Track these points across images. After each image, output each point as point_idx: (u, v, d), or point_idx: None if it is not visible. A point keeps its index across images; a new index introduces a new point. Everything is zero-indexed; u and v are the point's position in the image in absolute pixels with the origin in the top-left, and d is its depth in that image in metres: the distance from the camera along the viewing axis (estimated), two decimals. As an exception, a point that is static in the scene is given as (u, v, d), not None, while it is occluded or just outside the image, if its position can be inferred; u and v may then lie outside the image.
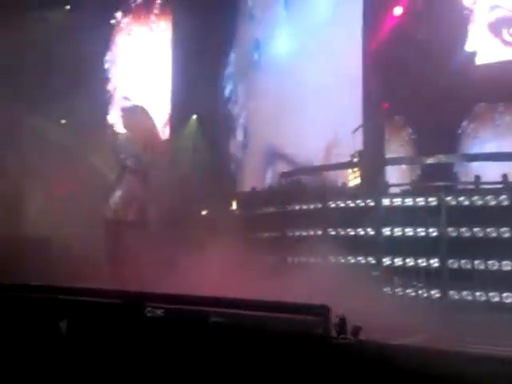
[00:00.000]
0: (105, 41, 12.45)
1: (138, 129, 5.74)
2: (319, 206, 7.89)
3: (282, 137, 11.55)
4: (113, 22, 13.00)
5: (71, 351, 2.95)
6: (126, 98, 12.51)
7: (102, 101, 12.16)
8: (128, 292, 3.16)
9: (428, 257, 6.84)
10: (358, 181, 9.47)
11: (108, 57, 12.80)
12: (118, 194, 5.55)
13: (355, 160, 9.98)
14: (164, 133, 12.96)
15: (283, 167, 10.96)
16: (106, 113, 10.99)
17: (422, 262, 6.87)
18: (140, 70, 13.18)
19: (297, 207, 8.10)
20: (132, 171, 5.54)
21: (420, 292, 6.82)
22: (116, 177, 5.65)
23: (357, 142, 9.65)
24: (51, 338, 2.96)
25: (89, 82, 10.59)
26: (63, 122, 10.45)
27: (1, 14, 8.01)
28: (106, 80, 12.65)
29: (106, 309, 3.07)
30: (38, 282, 3.33)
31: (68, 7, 11.29)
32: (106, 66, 12.85)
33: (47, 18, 9.85)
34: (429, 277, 6.81)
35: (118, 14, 13.14)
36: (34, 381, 2.92)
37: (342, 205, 7.68)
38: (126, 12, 13.26)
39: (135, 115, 5.76)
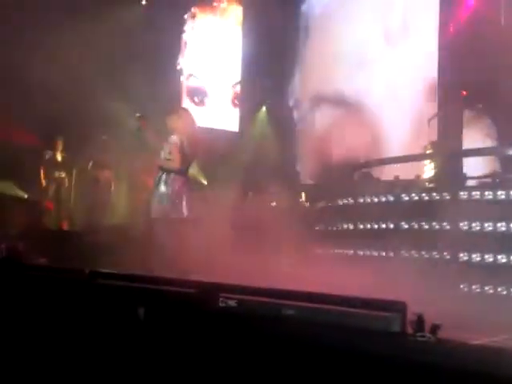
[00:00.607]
0: (177, 32, 12.69)
1: (180, 130, 5.88)
2: (391, 198, 7.71)
3: (350, 128, 11.38)
4: (185, 15, 13.22)
5: (148, 337, 3.06)
6: (195, 90, 12.74)
7: (175, 91, 12.46)
8: (203, 282, 3.22)
9: (508, 253, 6.52)
10: (432, 173, 9.19)
11: (180, 48, 13.02)
12: (162, 193, 5.72)
13: (429, 151, 9.67)
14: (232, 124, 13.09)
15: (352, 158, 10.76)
16: (179, 104, 11.23)
17: (501, 259, 6.55)
18: (209, 58, 13.29)
19: (368, 200, 7.95)
20: (172, 171, 5.74)
21: (499, 290, 6.51)
22: (157, 177, 5.84)
23: (432, 132, 9.32)
24: (130, 324, 3.07)
25: (163, 72, 10.87)
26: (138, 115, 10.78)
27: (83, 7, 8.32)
28: (178, 71, 12.91)
29: (181, 298, 3.15)
30: (117, 270, 3.47)
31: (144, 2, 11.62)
32: (179, 58, 13.11)
33: (124, 14, 10.17)
34: (509, 274, 6.49)
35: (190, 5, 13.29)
36: (113, 362, 3.05)
37: (416, 198, 7.45)
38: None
39: (179, 118, 5.94)
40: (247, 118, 13.37)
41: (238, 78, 13.34)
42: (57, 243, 6.37)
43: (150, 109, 10.20)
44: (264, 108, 13.39)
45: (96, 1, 8.96)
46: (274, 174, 11.03)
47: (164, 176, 5.74)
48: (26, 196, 7.39)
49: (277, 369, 2.60)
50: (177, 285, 3.26)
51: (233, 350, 2.85)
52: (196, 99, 13.12)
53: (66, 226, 8.12)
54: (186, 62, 13.08)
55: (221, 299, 3.11)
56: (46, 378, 3.13)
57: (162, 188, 5.71)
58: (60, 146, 8.66)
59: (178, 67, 12.96)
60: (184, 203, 5.72)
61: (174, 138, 5.85)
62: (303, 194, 10.75)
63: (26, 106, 7.65)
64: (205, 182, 10.63)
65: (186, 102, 12.70)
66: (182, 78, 13.03)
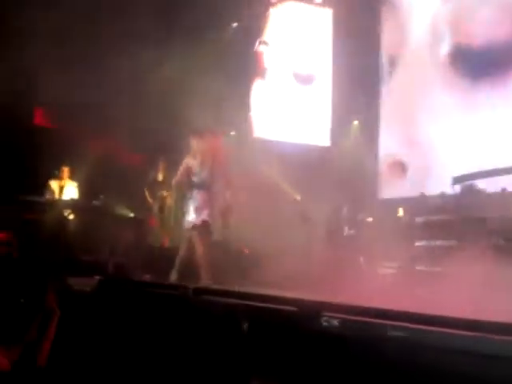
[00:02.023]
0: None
1: (204, 150, 6.10)
2: (498, 214, 7.21)
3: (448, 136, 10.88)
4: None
5: (251, 351, 3.06)
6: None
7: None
8: (304, 300, 3.18)
9: None
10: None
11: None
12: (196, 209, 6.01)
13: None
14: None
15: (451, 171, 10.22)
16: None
17: None
18: (298, 62, 13.09)
19: (474, 215, 7.51)
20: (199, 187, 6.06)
21: None
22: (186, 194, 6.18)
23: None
24: (234, 338, 3.09)
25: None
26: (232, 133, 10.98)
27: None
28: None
29: (284, 315, 3.13)
30: (221, 286, 3.52)
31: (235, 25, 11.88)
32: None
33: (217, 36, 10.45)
34: None
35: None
36: (218, 374, 3.07)
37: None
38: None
39: (205, 139, 6.24)
40: (338, 132, 13.21)
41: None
42: (159, 260, 6.61)
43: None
44: (356, 122, 13.18)
45: (194, 25, 9.31)
46: (367, 188, 10.79)
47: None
48: (132, 214, 7.77)
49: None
50: (279, 302, 3.25)
51: (335, 371, 2.78)
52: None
53: (167, 243, 8.42)
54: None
55: (323, 318, 3.05)
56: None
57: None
58: (162, 166, 9.04)
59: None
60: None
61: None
62: (400, 209, 10.38)
63: (135, 128, 8.03)
64: (298, 198, 10.61)
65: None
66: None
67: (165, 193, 8.94)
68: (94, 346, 3.51)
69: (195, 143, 6.21)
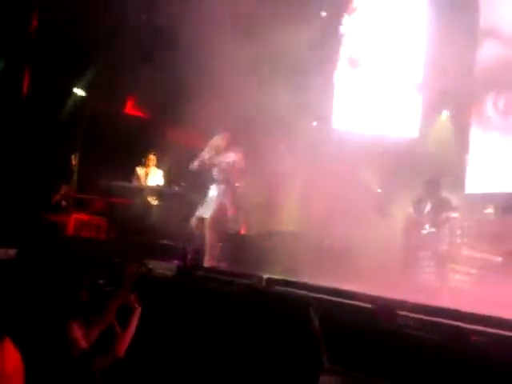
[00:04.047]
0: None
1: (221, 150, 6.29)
2: None
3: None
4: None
5: (321, 345, 3.01)
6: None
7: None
8: (380, 298, 3.09)
9: None
10: None
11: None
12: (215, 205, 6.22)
13: None
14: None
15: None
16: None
17: None
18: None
19: None
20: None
21: None
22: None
23: None
24: (303, 334, 3.06)
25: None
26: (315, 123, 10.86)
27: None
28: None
29: (359, 312, 3.06)
30: (295, 278, 3.50)
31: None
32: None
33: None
34: None
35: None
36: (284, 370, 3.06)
37: None
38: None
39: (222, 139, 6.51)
40: (427, 123, 12.64)
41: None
42: (235, 247, 6.69)
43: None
44: (446, 112, 12.55)
45: (281, 17, 9.25)
46: (455, 184, 10.26)
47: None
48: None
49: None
50: (355, 298, 3.18)
51: (408, 371, 2.68)
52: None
53: (243, 231, 8.48)
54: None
55: (400, 318, 2.95)
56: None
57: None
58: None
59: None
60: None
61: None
62: (489, 206, 9.80)
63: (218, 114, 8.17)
64: (379, 190, 10.31)
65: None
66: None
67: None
68: (171, 331, 3.62)
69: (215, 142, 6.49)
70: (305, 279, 3.51)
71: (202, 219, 6.19)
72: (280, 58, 8.76)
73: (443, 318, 2.73)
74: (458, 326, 2.59)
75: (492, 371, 2.31)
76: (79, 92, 9.03)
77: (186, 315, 3.71)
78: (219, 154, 6.47)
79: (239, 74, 7.99)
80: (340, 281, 3.72)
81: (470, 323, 2.54)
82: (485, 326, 2.45)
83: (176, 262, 5.60)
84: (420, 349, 2.68)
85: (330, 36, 11.53)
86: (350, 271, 4.89)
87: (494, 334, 2.38)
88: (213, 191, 6.39)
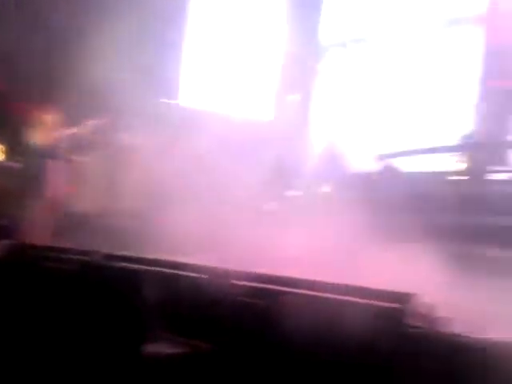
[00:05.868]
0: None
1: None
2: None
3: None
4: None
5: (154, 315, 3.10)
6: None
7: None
8: (215, 268, 3.24)
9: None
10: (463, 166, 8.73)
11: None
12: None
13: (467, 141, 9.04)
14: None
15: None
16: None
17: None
18: None
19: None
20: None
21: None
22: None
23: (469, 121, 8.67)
24: (139, 308, 3.12)
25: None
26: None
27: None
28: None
29: (194, 283, 3.18)
30: (134, 253, 3.52)
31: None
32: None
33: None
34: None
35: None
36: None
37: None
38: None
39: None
40: (280, 106, 12.99)
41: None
42: (73, 225, 6.47)
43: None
44: (295, 96, 13.03)
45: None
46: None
47: None
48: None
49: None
50: (190, 270, 3.29)
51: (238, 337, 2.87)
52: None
53: (82, 208, 8.18)
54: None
55: (232, 286, 3.12)
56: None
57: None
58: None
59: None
60: None
61: None
62: (326, 185, 10.52)
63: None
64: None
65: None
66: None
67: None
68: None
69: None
70: (142, 254, 3.55)
71: (38, 196, 5.91)
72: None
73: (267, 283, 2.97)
74: (281, 291, 2.83)
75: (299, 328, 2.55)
76: None
77: (20, 296, 3.56)
78: (53, 130, 6.18)
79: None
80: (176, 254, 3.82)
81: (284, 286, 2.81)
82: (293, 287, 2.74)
83: (7, 241, 5.25)
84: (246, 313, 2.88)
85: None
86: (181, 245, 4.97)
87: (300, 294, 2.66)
88: (51, 167, 6.13)
